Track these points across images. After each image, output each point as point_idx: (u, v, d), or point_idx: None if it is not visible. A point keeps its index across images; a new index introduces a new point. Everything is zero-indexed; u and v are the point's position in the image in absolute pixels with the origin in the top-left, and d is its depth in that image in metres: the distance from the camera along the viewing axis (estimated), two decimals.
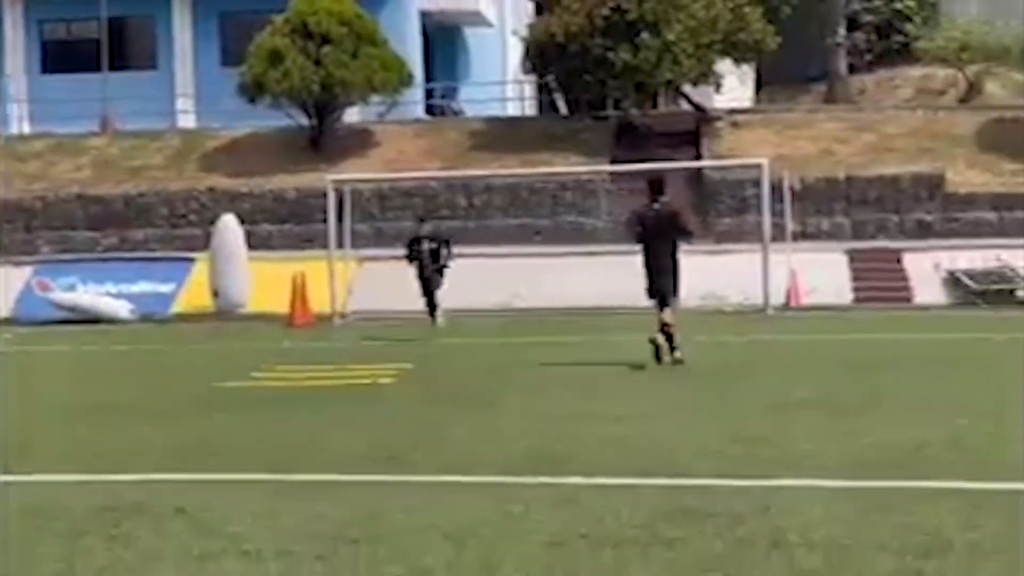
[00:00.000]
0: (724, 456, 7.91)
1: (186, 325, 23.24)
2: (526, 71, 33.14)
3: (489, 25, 38.07)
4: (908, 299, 24.47)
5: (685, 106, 33.06)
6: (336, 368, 14.02)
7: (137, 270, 26.77)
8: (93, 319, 24.29)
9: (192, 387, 12.60)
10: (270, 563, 5.23)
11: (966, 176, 28.29)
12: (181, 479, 7.34)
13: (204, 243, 27.42)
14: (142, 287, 26.30)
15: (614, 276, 25.31)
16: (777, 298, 23.49)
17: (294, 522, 5.99)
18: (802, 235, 26.30)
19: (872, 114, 32.15)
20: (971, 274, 24.32)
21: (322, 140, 31.27)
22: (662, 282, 13.83)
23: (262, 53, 29.86)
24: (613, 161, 29.37)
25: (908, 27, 38.72)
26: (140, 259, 27.69)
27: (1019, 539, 5.53)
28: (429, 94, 36.51)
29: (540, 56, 31.01)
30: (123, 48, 35.61)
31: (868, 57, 39.31)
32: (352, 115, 32.58)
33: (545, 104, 36.64)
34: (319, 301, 23.48)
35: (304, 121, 31.27)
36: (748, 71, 36.89)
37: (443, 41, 37.70)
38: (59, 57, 35.17)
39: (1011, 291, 24.02)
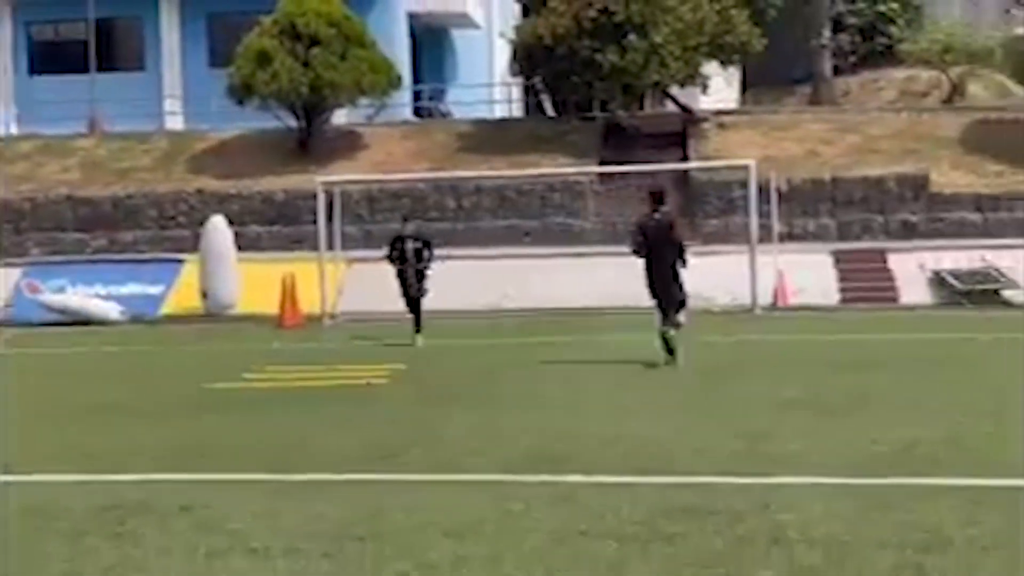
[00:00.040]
0: (721, 454, 8.02)
1: (176, 326, 23.25)
2: (514, 73, 33.22)
3: (476, 27, 38.16)
4: (894, 299, 24.63)
5: (671, 107, 33.20)
6: (328, 369, 14.08)
7: (126, 272, 26.75)
8: (83, 321, 24.28)
9: (186, 388, 12.65)
10: (277, 560, 5.31)
11: (950, 177, 28.48)
12: (181, 479, 7.41)
13: (193, 245, 27.44)
14: (131, 289, 26.29)
15: (602, 277, 25.48)
16: (764, 299, 23.63)
17: (296, 520, 6.07)
18: (788, 236, 26.44)
19: (857, 115, 32.33)
20: (956, 274, 24.49)
21: (310, 142, 31.30)
22: (665, 290, 14.06)
23: (250, 54, 29.86)
24: (601, 162, 29.48)
25: (892, 29, 38.98)
26: (129, 261, 27.66)
27: (1017, 535, 5.63)
28: (417, 96, 36.57)
29: (528, 58, 31.10)
30: (111, 49, 35.55)
31: (852, 59, 39.56)
32: (340, 117, 32.61)
33: (532, 106, 36.74)
34: (308, 302, 23.52)
35: (292, 123, 31.29)
36: (733, 73, 37.07)
37: (430, 43, 37.77)
38: (47, 58, 35.11)
39: (996, 291, 24.19)
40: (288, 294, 22.88)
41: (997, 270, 24.45)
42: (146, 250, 28.84)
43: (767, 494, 6.72)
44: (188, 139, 32.68)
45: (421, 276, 17.96)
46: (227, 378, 13.12)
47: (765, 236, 24.30)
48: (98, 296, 25.73)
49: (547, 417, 9.93)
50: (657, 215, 14.23)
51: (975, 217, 27.41)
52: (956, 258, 25.26)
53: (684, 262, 14.15)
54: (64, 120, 32.29)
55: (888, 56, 38.56)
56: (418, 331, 17.63)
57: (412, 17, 35.77)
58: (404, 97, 34.01)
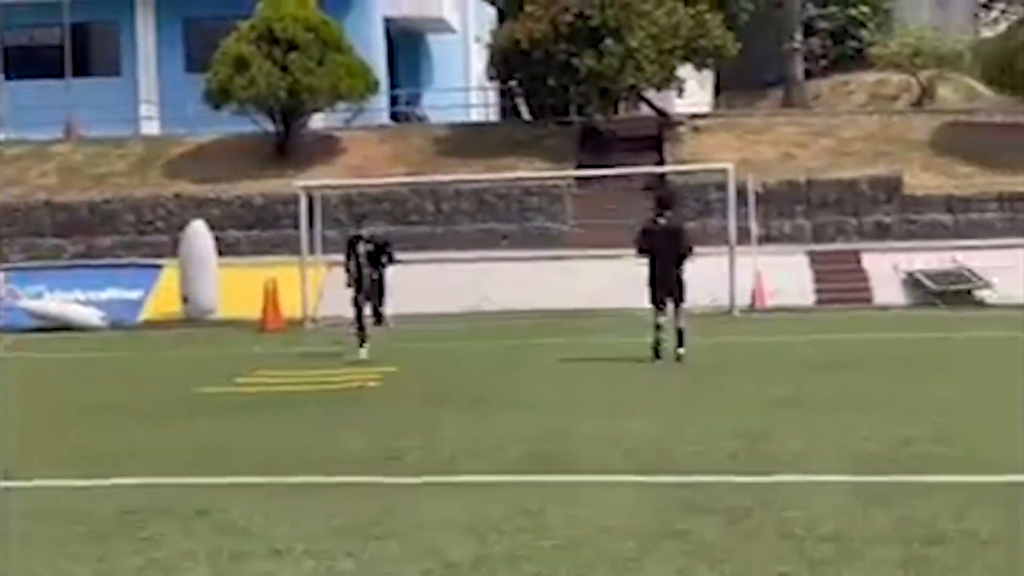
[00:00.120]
0: (719, 453, 8.21)
1: (158, 332, 23.25)
2: (491, 77, 33.39)
3: (452, 31, 38.32)
4: (868, 300, 24.93)
5: (646, 111, 33.46)
6: (320, 373, 14.18)
7: (105, 277, 26.70)
8: (63, 327, 24.23)
9: (179, 393, 12.72)
10: (303, 561, 5.44)
11: (921, 179, 28.85)
12: (192, 482, 7.51)
13: (171, 250, 27.46)
14: (110, 294, 26.24)
15: (581, 279, 25.70)
16: (742, 300, 23.88)
17: (314, 522, 6.19)
18: (765, 238, 26.68)
19: (829, 119, 32.68)
20: (930, 275, 24.83)
21: (288, 146, 31.36)
22: (668, 292, 14.66)
23: (228, 59, 29.90)
24: (578, 166, 29.68)
25: (862, 33, 39.37)
26: (108, 266, 27.63)
27: (1014, 529, 5.83)
28: (394, 100, 36.67)
29: (504, 62, 31.29)
30: (86, 54, 35.47)
31: (823, 63, 39.94)
32: (317, 121, 32.70)
33: (508, 110, 36.90)
34: (289, 306, 23.61)
35: (269, 127, 31.35)
36: (706, 76, 37.36)
37: (407, 47, 37.88)
38: (22, 63, 34.97)
39: (968, 291, 24.55)
40: (270, 298, 22.95)
41: (969, 270, 24.80)
42: (124, 255, 28.81)
43: (768, 491, 6.91)
44: (164, 144, 32.67)
45: (375, 280, 16.32)
46: (218, 383, 13.21)
47: (742, 238, 24.54)
48: (77, 302, 25.69)
49: (543, 418, 10.09)
50: (663, 220, 14.90)
51: (947, 218, 27.80)
52: (928, 259, 25.60)
53: (686, 256, 14.78)
54: (40, 125, 32.21)
55: (858, 60, 38.97)
56: (364, 341, 16.00)
57: (388, 21, 35.89)
58: (381, 101, 34.13)
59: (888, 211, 27.97)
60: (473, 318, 23.41)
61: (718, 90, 39.81)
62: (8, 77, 34.43)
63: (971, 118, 31.99)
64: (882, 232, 27.75)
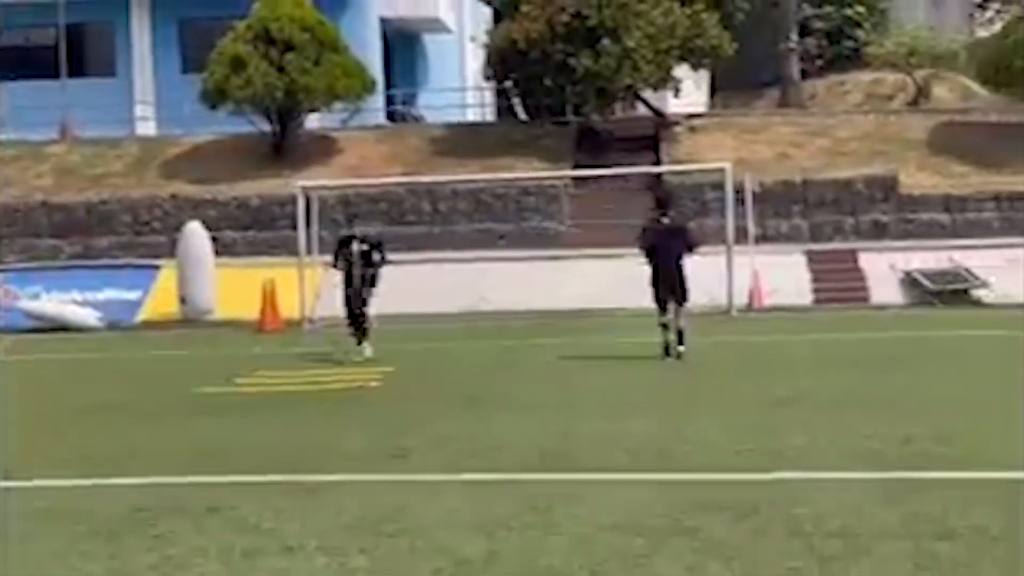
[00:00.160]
0: (723, 451, 8.23)
1: (156, 332, 23.23)
2: (487, 77, 33.41)
3: (448, 31, 38.33)
4: (866, 299, 24.97)
5: (642, 111, 33.49)
6: (320, 373, 14.18)
7: (102, 278, 26.67)
8: (60, 327, 24.21)
9: (183, 393, 12.71)
10: (316, 558, 5.46)
11: (917, 178, 28.91)
12: (200, 481, 7.52)
13: (168, 250, 27.44)
14: (107, 295, 26.21)
15: (578, 280, 25.72)
16: (739, 299, 23.90)
17: (324, 519, 6.21)
18: (762, 238, 26.71)
19: (825, 118, 32.72)
20: (927, 274, 24.87)
21: (284, 147, 31.35)
22: (671, 289, 14.90)
23: (224, 60, 29.88)
24: (575, 166, 29.71)
25: (858, 33, 39.43)
26: (105, 267, 27.60)
27: (1020, 524, 5.87)
28: (390, 100, 36.67)
29: (501, 62, 31.30)
30: (82, 55, 35.44)
31: (819, 62, 39.99)
32: (313, 122, 32.70)
33: (504, 110, 36.91)
34: (286, 307, 23.59)
35: (265, 128, 31.35)
36: (702, 76, 37.38)
37: (402, 47, 37.89)
38: (17, 64, 34.91)
39: (965, 291, 24.60)
40: (269, 299, 22.94)
41: (967, 270, 24.85)
42: (120, 256, 28.79)
43: (774, 489, 6.95)
44: (161, 144, 32.65)
45: (368, 281, 16.04)
46: (219, 383, 13.20)
47: (740, 238, 24.58)
48: (74, 302, 25.66)
49: (544, 417, 10.12)
50: (666, 219, 15.19)
51: (944, 218, 27.86)
52: (925, 258, 25.65)
53: (692, 252, 15.16)
54: (35, 126, 32.18)
55: (854, 59, 39.03)
56: (362, 340, 15.95)
57: (384, 22, 35.89)
58: (377, 101, 34.13)
59: (885, 210, 28.02)
60: (470, 318, 23.43)
61: (713, 90, 39.81)
62: (3, 78, 34.33)
63: (966, 118, 32.06)
64: (879, 231, 27.81)
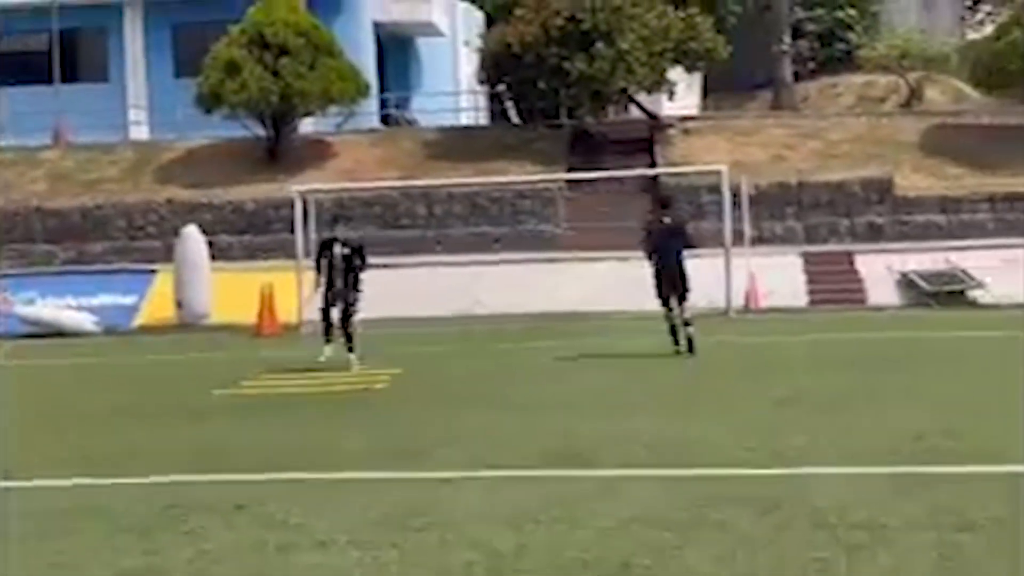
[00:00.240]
0: (736, 448, 8.30)
1: (153, 337, 23.22)
2: (481, 80, 33.50)
3: (441, 35, 38.40)
4: (862, 301, 25.09)
5: (635, 114, 33.60)
6: (325, 375, 14.18)
7: (98, 283, 26.66)
8: (57, 333, 24.18)
9: (195, 396, 12.72)
10: (348, 552, 5.51)
11: (912, 180, 29.06)
12: (224, 479, 7.55)
13: (163, 255, 27.45)
14: (103, 300, 26.19)
15: (574, 282, 25.79)
16: (736, 301, 24.00)
17: (352, 515, 6.26)
18: (757, 239, 26.84)
19: (818, 120, 32.88)
20: (924, 275, 25.00)
21: (278, 151, 31.39)
22: (673, 286, 15.36)
23: (219, 64, 29.92)
24: (569, 169, 29.80)
25: (850, 36, 39.62)
26: (101, 272, 27.59)
27: None
28: (383, 104, 36.74)
29: (495, 66, 31.40)
30: (75, 60, 35.44)
31: (811, 65, 40.17)
32: (307, 125, 32.74)
33: (497, 114, 36.99)
34: (283, 310, 23.59)
35: (259, 132, 31.37)
36: (694, 79, 37.53)
37: (396, 51, 37.95)
38: (10, 69, 34.87)
39: (962, 292, 24.73)
40: (267, 303, 22.95)
41: (963, 271, 24.99)
42: (115, 261, 28.78)
43: (793, 483, 7.02)
44: (155, 149, 32.66)
45: (351, 284, 15.29)
46: (227, 386, 13.22)
47: (736, 240, 24.69)
48: (70, 307, 25.64)
49: (555, 416, 10.19)
50: (667, 219, 15.58)
51: (939, 219, 28.01)
52: (920, 260, 25.78)
53: (692, 249, 15.68)
54: (29, 132, 32.15)
55: (846, 62, 39.22)
56: (351, 351, 14.98)
57: (377, 26, 35.96)
58: (371, 105, 34.19)
59: (880, 212, 28.16)
60: (465, 322, 23.46)
61: (706, 92, 39.99)
62: None
63: (959, 120, 32.24)
64: (874, 233, 27.94)
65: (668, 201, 16.61)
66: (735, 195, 25.29)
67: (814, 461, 7.71)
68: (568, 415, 10.26)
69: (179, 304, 25.26)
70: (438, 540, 5.68)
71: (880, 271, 25.61)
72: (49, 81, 33.71)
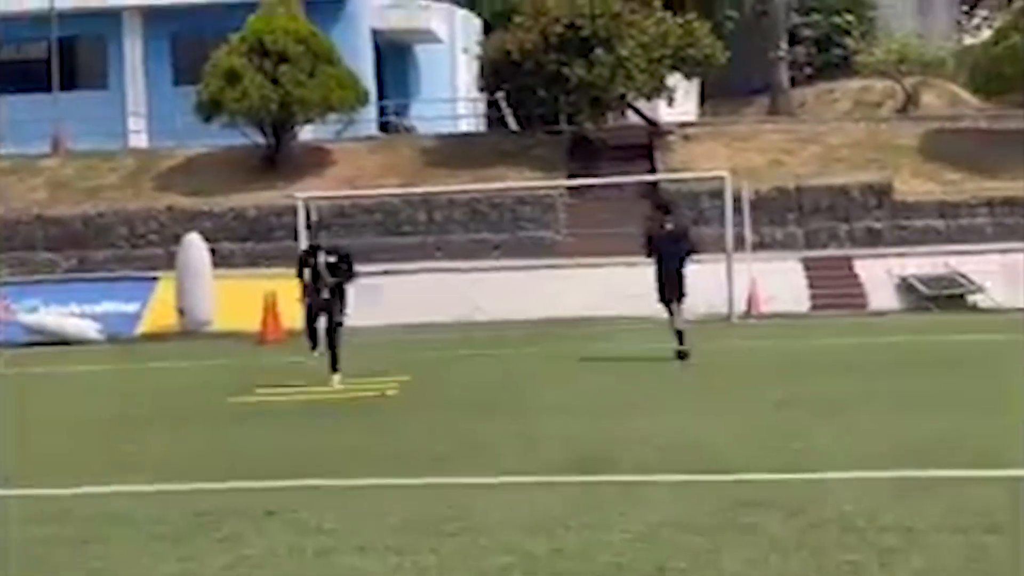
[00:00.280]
0: (755, 453, 8.37)
1: (157, 345, 23.24)
2: (481, 88, 33.61)
3: (439, 42, 38.49)
4: (863, 305, 25.23)
5: (633, 120, 33.71)
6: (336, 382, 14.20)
7: (100, 290, 26.65)
8: (60, 341, 24.19)
9: (208, 403, 12.79)
10: (387, 557, 5.56)
11: (911, 185, 29.19)
12: (252, 487, 7.57)
13: (165, 262, 27.49)
14: (105, 307, 26.18)
15: (574, 288, 25.86)
16: (738, 306, 24.10)
17: (385, 520, 6.30)
18: (757, 245, 26.95)
19: (816, 126, 33.01)
20: (923, 280, 25.14)
21: (278, 158, 31.45)
22: (673, 289, 15.65)
23: (219, 72, 29.98)
24: (569, 176, 29.89)
25: (847, 41, 39.76)
26: (102, 279, 27.60)
27: None
28: (382, 111, 36.81)
29: (495, 73, 31.52)
30: (74, 68, 35.50)
31: (808, 70, 40.31)
32: (306, 133, 32.80)
33: (495, 120, 37.06)
34: (286, 317, 23.59)
35: (258, 140, 31.43)
36: (692, 84, 37.64)
37: (394, 58, 38.03)
38: (9, 77, 34.91)
39: (961, 296, 24.86)
40: (270, 310, 22.98)
41: (962, 275, 25.12)
42: (117, 269, 28.81)
43: (817, 487, 7.09)
44: (154, 157, 32.71)
45: (337, 295, 14.29)
46: (241, 393, 13.26)
47: (737, 245, 24.80)
48: (73, 315, 25.65)
49: (568, 421, 10.27)
50: (669, 225, 15.89)
51: (938, 224, 28.13)
52: (920, 264, 25.93)
53: (693, 255, 15.86)
54: (28, 140, 32.19)
55: (843, 67, 39.36)
56: (335, 369, 13.99)
57: (376, 33, 36.04)
58: (370, 112, 34.27)
59: (879, 217, 28.29)
60: (466, 328, 23.51)
61: (703, 98, 40.11)
62: None
63: (957, 124, 32.37)
64: (873, 238, 28.06)
65: (669, 207, 16.93)
66: (736, 200, 25.39)
67: (834, 465, 7.77)
68: (581, 420, 10.33)
69: (181, 312, 25.29)
70: (473, 544, 5.74)
71: (880, 276, 25.74)
72: (48, 89, 33.76)
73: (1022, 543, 5.60)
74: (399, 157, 31.92)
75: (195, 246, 25.72)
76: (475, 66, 34.79)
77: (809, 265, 26.57)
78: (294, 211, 25.81)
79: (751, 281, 24.60)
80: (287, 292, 23.95)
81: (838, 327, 21.31)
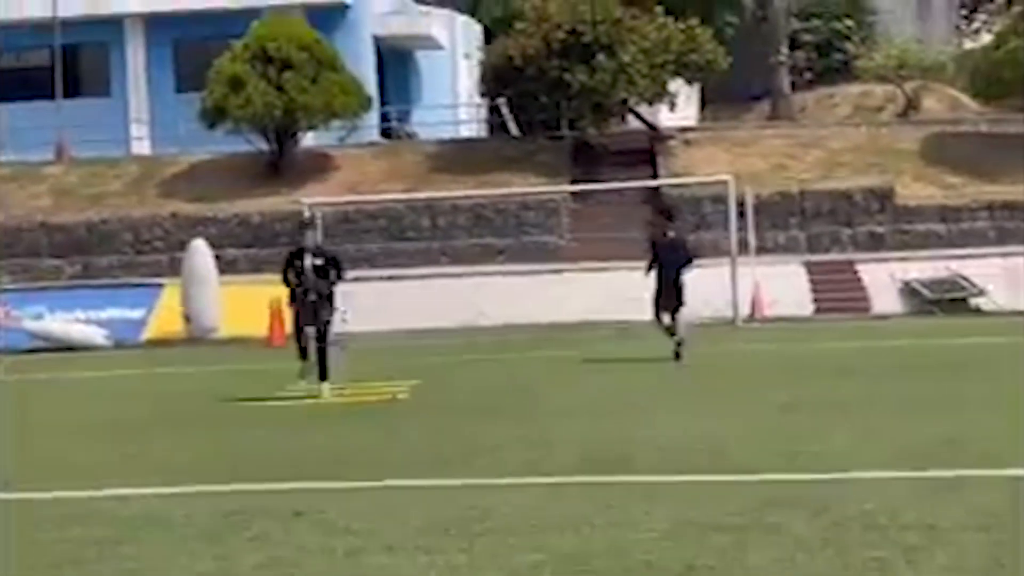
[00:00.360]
0: (770, 453, 8.45)
1: (164, 350, 23.32)
2: (483, 93, 33.72)
3: (440, 48, 38.58)
4: (866, 309, 25.33)
5: (634, 125, 33.82)
6: (348, 386, 14.25)
7: (105, 297, 26.75)
8: (66, 347, 24.26)
9: (222, 407, 12.85)
10: (417, 556, 5.61)
11: (912, 189, 29.31)
12: (276, 488, 7.64)
13: (169, 269, 27.57)
14: (111, 313, 26.27)
15: (579, 293, 25.95)
16: (742, 310, 24.19)
17: (411, 520, 6.36)
18: (760, 249, 27.04)
19: (817, 130, 33.13)
20: (926, 283, 25.24)
21: (281, 164, 31.54)
22: (672, 297, 15.82)
23: (222, 79, 30.08)
24: (572, 181, 29.99)
25: (847, 46, 39.88)
26: (107, 286, 27.70)
27: None
28: (384, 117, 36.90)
29: (496, 79, 31.64)
30: (77, 76, 35.59)
31: (808, 75, 40.43)
32: (308, 139, 32.89)
33: (496, 126, 37.16)
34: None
35: (262, 146, 31.51)
36: (692, 90, 37.75)
37: (396, 64, 38.12)
38: (12, 85, 34.99)
39: (964, 299, 24.96)
40: (277, 316, 23.03)
41: (965, 278, 25.22)
42: (121, 275, 28.89)
43: (837, 487, 7.16)
44: (158, 164, 32.79)
45: (324, 299, 13.63)
46: (252, 397, 13.33)
47: (740, 249, 24.89)
48: (78, 321, 25.72)
49: (583, 423, 10.36)
50: (671, 232, 16.17)
51: (940, 228, 28.24)
52: (922, 268, 26.03)
53: (689, 265, 16.05)
54: (31, 147, 32.25)
55: (843, 72, 39.48)
56: (324, 378, 13.40)
57: (377, 39, 36.13)
58: (372, 118, 34.35)
59: (881, 221, 28.41)
60: (470, 333, 23.58)
61: (703, 104, 40.23)
62: None
63: (957, 128, 32.50)
64: (876, 242, 28.18)
65: (671, 212, 17.24)
66: (739, 205, 25.49)
67: (851, 465, 7.84)
68: (591, 422, 10.42)
69: (187, 318, 25.35)
70: (502, 543, 5.80)
71: (883, 279, 25.85)
72: (51, 96, 33.81)
73: None
74: (402, 163, 32.02)
75: (201, 252, 25.80)
76: (476, 72, 34.92)
77: (812, 269, 26.67)
78: (309, 218, 25.79)
79: (754, 285, 24.70)
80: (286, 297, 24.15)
81: (841, 331, 21.41)
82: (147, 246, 29.53)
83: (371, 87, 33.56)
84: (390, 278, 27.10)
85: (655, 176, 30.02)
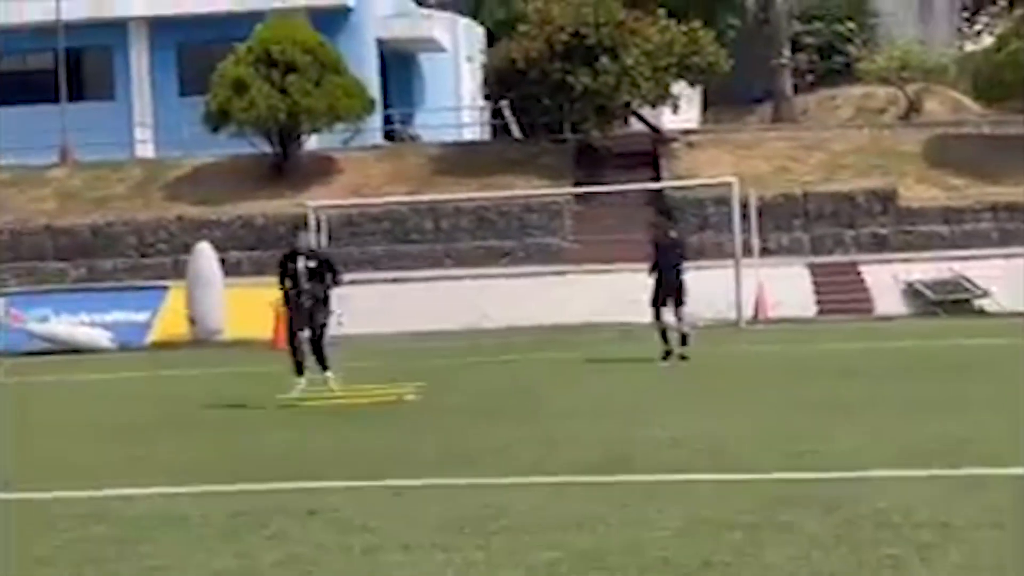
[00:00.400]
0: (778, 453, 8.48)
1: (170, 353, 23.37)
2: (486, 96, 33.79)
3: (443, 51, 38.65)
4: (869, 310, 25.37)
5: (636, 127, 33.88)
6: (355, 388, 14.29)
7: (110, 300, 26.78)
8: (71, 349, 24.31)
9: (232, 408, 12.88)
10: (434, 554, 5.67)
11: (915, 191, 29.36)
12: (291, 487, 7.67)
13: (173, 271, 27.62)
14: (115, 316, 26.31)
15: (582, 295, 25.99)
16: (745, 311, 24.23)
17: (426, 519, 6.42)
18: (763, 251, 27.09)
19: (820, 133, 33.18)
20: (929, 285, 25.29)
21: (285, 167, 31.60)
22: (672, 295, 16.12)
23: (226, 82, 30.14)
24: (575, 183, 30.04)
25: (849, 48, 39.94)
26: (112, 289, 27.75)
27: None
28: (387, 120, 36.97)
29: (499, 81, 31.71)
30: (80, 79, 35.67)
31: (810, 78, 40.49)
32: (312, 142, 32.95)
33: (499, 129, 37.21)
34: None
35: (265, 149, 31.58)
36: (695, 92, 37.81)
37: (398, 67, 38.18)
38: (16, 89, 35.06)
39: (967, 300, 25.01)
40: (280, 317, 23.07)
41: (968, 280, 25.27)
42: (126, 278, 28.95)
43: (848, 486, 7.19)
44: (162, 167, 32.85)
45: (319, 302, 13.50)
46: (261, 398, 13.36)
47: (744, 251, 24.93)
48: (83, 324, 25.77)
49: (590, 423, 10.41)
50: (673, 233, 16.43)
51: (943, 229, 28.29)
52: (925, 269, 26.07)
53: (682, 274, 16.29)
54: (35, 151, 32.31)
55: (845, 74, 39.54)
56: (325, 368, 13.49)
57: (380, 43, 36.20)
58: (375, 121, 34.42)
59: (884, 223, 28.46)
60: (474, 335, 23.63)
61: (705, 106, 40.29)
62: (2, 103, 34.43)
63: (959, 130, 32.56)
64: (879, 243, 28.22)
65: (672, 213, 17.55)
66: (743, 207, 25.54)
67: (861, 464, 7.87)
68: (598, 423, 10.45)
69: (192, 320, 25.39)
70: (518, 541, 5.85)
71: (886, 281, 25.89)
72: (55, 100, 33.88)
73: None
74: (405, 165, 32.08)
75: (205, 255, 25.84)
76: (479, 75, 34.98)
77: (815, 271, 26.72)
78: (303, 219, 25.87)
79: (758, 287, 24.74)
80: None
81: (845, 332, 21.45)
82: (151, 249, 29.58)
83: (374, 90, 33.62)
84: (394, 280, 27.15)
85: (658, 178, 30.08)
